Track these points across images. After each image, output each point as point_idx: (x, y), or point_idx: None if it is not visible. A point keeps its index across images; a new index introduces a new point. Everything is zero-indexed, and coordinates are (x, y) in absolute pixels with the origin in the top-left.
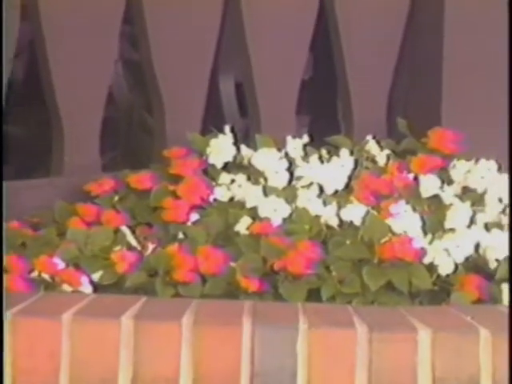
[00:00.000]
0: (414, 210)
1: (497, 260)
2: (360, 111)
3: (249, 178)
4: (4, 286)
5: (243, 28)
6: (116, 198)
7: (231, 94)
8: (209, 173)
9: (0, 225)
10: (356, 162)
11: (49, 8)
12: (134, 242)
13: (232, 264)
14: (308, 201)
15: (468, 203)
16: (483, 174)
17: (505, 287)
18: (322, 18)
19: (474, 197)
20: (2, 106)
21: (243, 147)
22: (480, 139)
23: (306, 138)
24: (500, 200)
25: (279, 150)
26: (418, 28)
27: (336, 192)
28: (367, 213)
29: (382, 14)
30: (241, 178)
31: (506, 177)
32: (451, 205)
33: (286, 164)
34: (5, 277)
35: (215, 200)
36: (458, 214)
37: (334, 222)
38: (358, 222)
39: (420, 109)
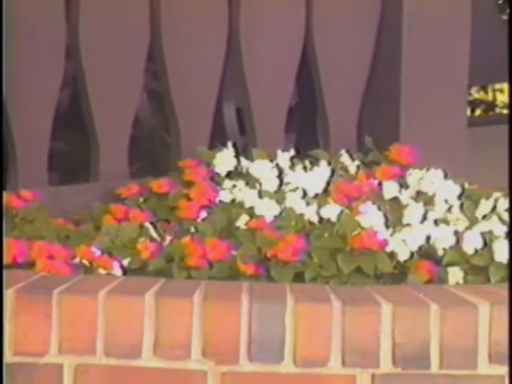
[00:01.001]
0: (379, 209)
1: (444, 249)
2: (335, 130)
3: (247, 184)
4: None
5: (242, 64)
6: (141, 199)
7: (232, 117)
8: (215, 179)
9: (0, 225)
10: (332, 171)
11: (88, 49)
12: (155, 235)
13: (233, 252)
14: (294, 202)
15: (421, 203)
16: (433, 180)
17: (450, 270)
18: (304, 55)
19: (425, 198)
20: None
21: (242, 159)
22: (430, 153)
23: (292, 152)
24: (446, 201)
25: (271, 161)
26: (383, 57)
27: (316, 195)
28: (341, 211)
29: (353, 47)
30: (240, 183)
31: (450, 182)
32: (407, 205)
33: (276, 172)
34: (52, 262)
35: (220, 201)
36: (412, 212)
37: (315, 219)
38: (334, 218)
39: (383, 128)
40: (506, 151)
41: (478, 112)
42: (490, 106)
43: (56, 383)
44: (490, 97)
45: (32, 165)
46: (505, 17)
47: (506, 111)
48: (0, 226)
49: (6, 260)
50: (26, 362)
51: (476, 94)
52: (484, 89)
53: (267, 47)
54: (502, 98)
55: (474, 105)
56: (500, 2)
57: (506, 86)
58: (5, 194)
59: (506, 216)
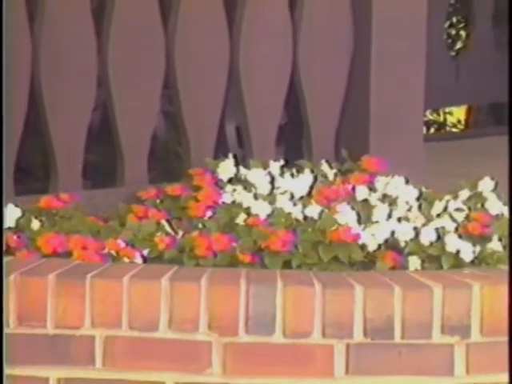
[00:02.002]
0: (352, 209)
1: (405, 241)
2: (317, 144)
3: (245, 188)
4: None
5: (241, 90)
6: (158, 201)
7: (233, 133)
8: (218, 184)
9: (0, 225)
10: (315, 178)
11: (115, 78)
12: (169, 230)
13: (234, 244)
14: (283, 203)
15: (386, 204)
16: (396, 185)
17: (410, 259)
18: (292, 84)
19: (390, 200)
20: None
21: (241, 168)
22: (394, 163)
23: (282, 162)
24: (407, 202)
25: (264, 169)
26: (355, 85)
27: (301, 197)
28: (322, 211)
29: (331, 77)
30: (239, 188)
31: (410, 187)
32: (376, 205)
33: (269, 179)
34: (85, 253)
35: (223, 202)
36: (380, 211)
37: (301, 217)
38: (316, 216)
39: (356, 142)
40: (454, 161)
41: (432, 130)
42: (442, 125)
43: (89, 352)
44: (441, 118)
45: (69, 173)
46: (452, 53)
47: (454, 129)
48: (0, 225)
49: (48, 251)
50: (65, 334)
51: (430, 115)
52: (436, 112)
53: (261, 77)
54: (451, 119)
55: (428, 124)
56: (449, 41)
57: (453, 109)
58: (46, 197)
59: (455, 214)
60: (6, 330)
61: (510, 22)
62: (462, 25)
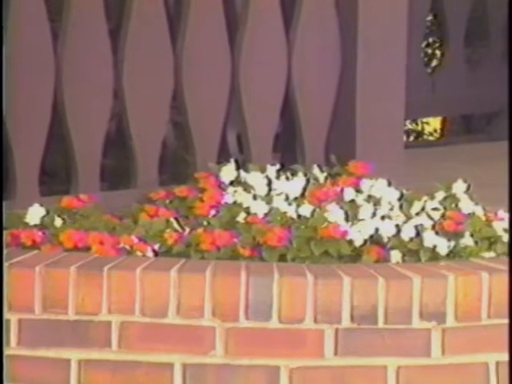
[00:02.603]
0: (341, 208)
1: (388, 237)
2: (309, 150)
3: (245, 190)
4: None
5: (241, 102)
6: (167, 201)
7: (234, 140)
8: (221, 186)
9: (0, 225)
10: (307, 181)
11: (129, 92)
12: (177, 227)
13: (235, 240)
14: (279, 203)
15: (371, 204)
16: (380, 187)
17: (392, 253)
18: (287, 96)
19: (374, 200)
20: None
21: (241, 171)
22: (378, 167)
23: (278, 166)
24: (389, 202)
25: (262, 173)
26: (343, 98)
27: (296, 198)
28: (314, 210)
29: (322, 91)
30: (240, 189)
31: (393, 189)
32: (361, 205)
33: (266, 181)
34: (103, 247)
35: (225, 203)
36: (365, 210)
37: (295, 216)
38: (308, 215)
39: (344, 149)
40: (431, 166)
41: (411, 138)
42: (420, 134)
43: (106, 336)
44: (419, 127)
45: (88, 176)
46: (429, 70)
47: (431, 138)
48: (0, 224)
49: (69, 245)
50: (84, 320)
51: (409, 125)
52: (415, 122)
53: (259, 91)
54: (428, 129)
55: (408, 133)
56: (426, 59)
57: (430, 119)
58: (68, 198)
59: (432, 213)
60: (30, 316)
61: (510, 23)
62: (437, 45)
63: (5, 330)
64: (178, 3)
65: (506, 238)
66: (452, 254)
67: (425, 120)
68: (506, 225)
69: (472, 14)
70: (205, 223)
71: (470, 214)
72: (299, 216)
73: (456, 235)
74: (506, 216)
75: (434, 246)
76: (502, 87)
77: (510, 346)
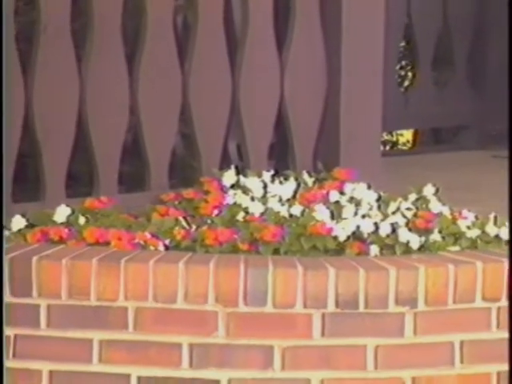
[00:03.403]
0: (327, 208)
1: (368, 233)
2: (299, 158)
3: (244, 192)
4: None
5: (241, 115)
6: (176, 202)
7: (234, 149)
8: (223, 189)
9: (0, 226)
10: (298, 185)
11: (143, 107)
12: (185, 225)
13: (235, 236)
14: (274, 204)
15: (353, 205)
16: (361, 190)
17: (372, 247)
18: (280, 110)
19: (356, 202)
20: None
21: (241, 176)
22: (359, 173)
23: (272, 172)
24: (369, 203)
25: (259, 178)
26: (329, 114)
27: (288, 199)
28: (303, 210)
29: (310, 107)
30: (239, 192)
31: (372, 191)
32: (345, 206)
33: (262, 185)
34: (120, 242)
35: (227, 203)
36: (348, 210)
37: (287, 215)
38: (298, 214)
39: (329, 157)
40: (404, 172)
41: (387, 148)
42: (394, 144)
43: (123, 320)
44: (394, 138)
45: (108, 180)
46: (402, 89)
47: (404, 147)
48: (0, 224)
49: (91, 241)
50: (104, 305)
51: (386, 136)
52: (390, 133)
53: (256, 106)
54: (402, 139)
55: (385, 143)
56: (399, 80)
57: (403, 132)
58: (90, 199)
59: (406, 213)
60: (57, 302)
61: (510, 23)
62: (409, 67)
63: (35, 314)
64: (185, 30)
65: (469, 233)
66: (423, 248)
67: (399, 132)
68: (469, 223)
69: (439, 42)
70: (209, 221)
71: (438, 213)
72: (291, 215)
73: (426, 232)
74: (470, 215)
75: (408, 241)
76: (465, 105)
77: (510, 345)
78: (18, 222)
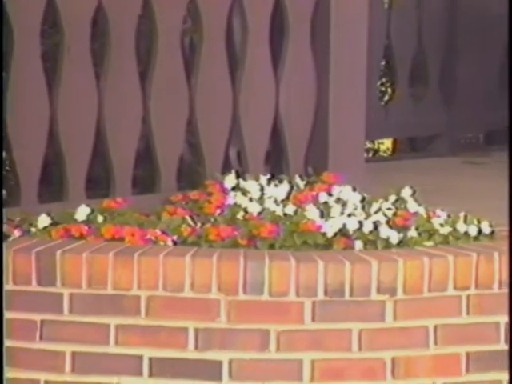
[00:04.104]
0: (317, 208)
1: (353, 230)
2: (292, 164)
3: (243, 194)
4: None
5: (240, 126)
6: (183, 203)
7: (235, 156)
8: (225, 191)
9: (0, 226)
10: (291, 187)
11: (154, 118)
12: (191, 223)
13: (235, 233)
14: (270, 204)
15: (340, 205)
16: (346, 192)
17: (356, 242)
18: (276, 122)
19: (342, 202)
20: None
21: (240, 180)
22: (345, 177)
23: (268, 176)
24: (354, 204)
25: (257, 181)
26: (318, 125)
27: (282, 200)
28: (296, 210)
29: (301, 119)
30: (239, 193)
31: (356, 193)
32: (332, 206)
33: (259, 187)
34: (134, 238)
35: (228, 204)
36: (335, 210)
37: (281, 214)
38: (292, 213)
39: (319, 162)
40: (385, 176)
41: (370, 155)
42: (376, 151)
43: (136, 307)
44: (376, 146)
45: (123, 183)
46: (382, 103)
47: (384, 154)
48: (0, 224)
49: (108, 237)
50: (120, 294)
51: (368, 144)
52: (372, 142)
53: (254, 117)
54: (383, 147)
55: (367, 150)
56: (380, 95)
57: (384, 140)
58: (107, 200)
59: (386, 212)
60: (78, 291)
61: (510, 24)
62: (388, 83)
63: (59, 301)
64: (192, 51)
65: (442, 230)
66: (401, 244)
67: (380, 141)
68: (441, 221)
69: (415, 61)
70: (212, 220)
71: (415, 212)
72: (285, 214)
73: (404, 229)
74: (443, 214)
75: (388, 237)
76: (438, 116)
77: (510, 341)
78: (43, 221)
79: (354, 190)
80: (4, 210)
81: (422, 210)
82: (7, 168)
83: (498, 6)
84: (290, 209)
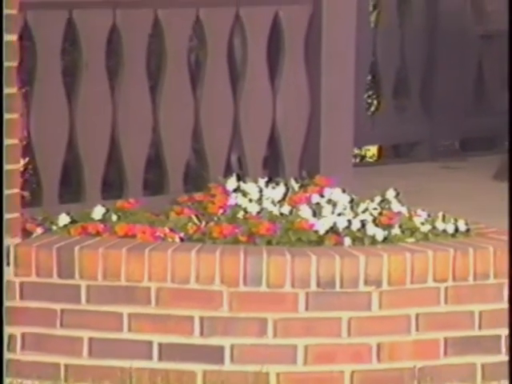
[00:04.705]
0: (310, 208)
1: (342, 228)
2: (288, 168)
3: (243, 195)
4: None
5: (241, 134)
6: (189, 203)
7: (236, 161)
8: (227, 193)
9: (0, 226)
10: (287, 189)
11: (163, 126)
12: (197, 222)
13: (236, 231)
14: (268, 205)
15: (331, 205)
16: (337, 194)
17: (345, 239)
18: (273, 131)
19: (333, 203)
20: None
21: (241, 183)
22: (336, 180)
23: (266, 179)
24: (343, 204)
25: (256, 184)
26: (312, 132)
27: (279, 201)
28: (291, 210)
29: (295, 127)
30: (240, 195)
31: (346, 195)
32: (324, 206)
33: (258, 189)
34: (144, 235)
35: (230, 204)
36: (326, 209)
37: (278, 213)
38: (287, 213)
39: (312, 167)
40: (371, 179)
41: (357, 160)
42: (363, 157)
43: (147, 298)
44: (363, 152)
45: (135, 186)
46: (369, 113)
47: (371, 160)
48: (0, 224)
49: (122, 234)
50: (132, 285)
51: (356, 151)
52: (360, 148)
53: (254, 125)
54: (369, 153)
55: (355, 156)
56: (367, 106)
57: (370, 147)
58: (121, 201)
59: (372, 212)
60: (94, 283)
61: (510, 25)
62: (374, 96)
63: (77, 292)
64: (197, 66)
65: (422, 228)
66: (386, 240)
67: (366, 147)
68: (422, 220)
69: (398, 76)
70: (215, 219)
71: (398, 212)
72: (281, 214)
73: (389, 227)
74: (423, 214)
75: (374, 235)
76: (419, 125)
77: (510, 339)
78: (63, 219)
79: (344, 191)
80: (27, 210)
81: (404, 210)
82: (30, 172)
83: (473, 27)
84: (286, 209)
